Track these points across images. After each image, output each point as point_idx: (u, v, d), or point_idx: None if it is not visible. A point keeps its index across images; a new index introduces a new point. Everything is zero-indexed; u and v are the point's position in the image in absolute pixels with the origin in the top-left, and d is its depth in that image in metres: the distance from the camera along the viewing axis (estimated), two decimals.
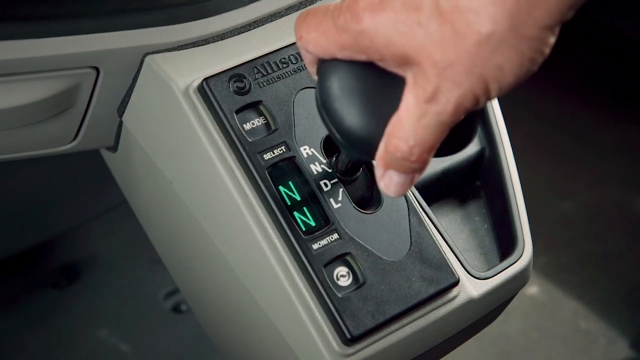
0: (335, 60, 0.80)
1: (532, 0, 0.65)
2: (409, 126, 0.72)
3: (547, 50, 0.68)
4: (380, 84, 0.78)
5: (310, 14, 0.79)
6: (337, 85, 0.80)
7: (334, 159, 0.95)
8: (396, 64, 0.73)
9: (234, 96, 0.94)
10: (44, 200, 1.55)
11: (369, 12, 0.73)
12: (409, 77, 0.73)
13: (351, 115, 0.79)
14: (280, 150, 0.94)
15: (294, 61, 0.98)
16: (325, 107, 0.81)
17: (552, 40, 0.68)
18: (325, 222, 0.93)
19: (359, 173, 0.96)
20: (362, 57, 0.76)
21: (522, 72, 0.68)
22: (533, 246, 1.06)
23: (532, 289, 2.23)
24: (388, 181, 0.77)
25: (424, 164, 0.76)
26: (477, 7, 0.66)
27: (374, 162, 0.80)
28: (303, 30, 0.79)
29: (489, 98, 0.70)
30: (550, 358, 2.14)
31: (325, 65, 0.81)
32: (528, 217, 1.07)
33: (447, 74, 0.69)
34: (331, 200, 0.94)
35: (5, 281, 1.82)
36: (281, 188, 0.93)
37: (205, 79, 0.94)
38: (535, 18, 0.66)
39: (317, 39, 0.78)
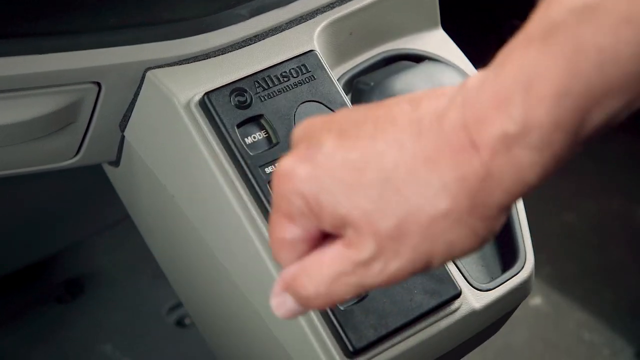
0: None
1: (496, 181, 0.59)
2: (327, 276, 0.63)
3: (498, 229, 0.62)
4: None
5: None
6: None
7: None
8: (333, 225, 0.62)
9: (235, 110, 0.95)
10: (48, 216, 1.54)
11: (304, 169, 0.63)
12: (346, 236, 0.62)
13: None
14: None
15: (294, 75, 0.98)
16: None
17: (504, 219, 0.62)
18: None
19: None
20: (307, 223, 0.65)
21: (471, 247, 0.61)
22: (536, 257, 1.06)
23: (535, 300, 2.22)
24: (281, 303, 0.67)
25: (325, 308, 0.70)
26: (436, 181, 0.59)
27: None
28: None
29: (428, 270, 0.63)
30: None
31: None
32: (530, 229, 1.07)
33: (389, 245, 0.60)
34: None
35: (9, 296, 1.82)
36: None
37: (207, 93, 0.95)
38: (495, 199, 0.59)
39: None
